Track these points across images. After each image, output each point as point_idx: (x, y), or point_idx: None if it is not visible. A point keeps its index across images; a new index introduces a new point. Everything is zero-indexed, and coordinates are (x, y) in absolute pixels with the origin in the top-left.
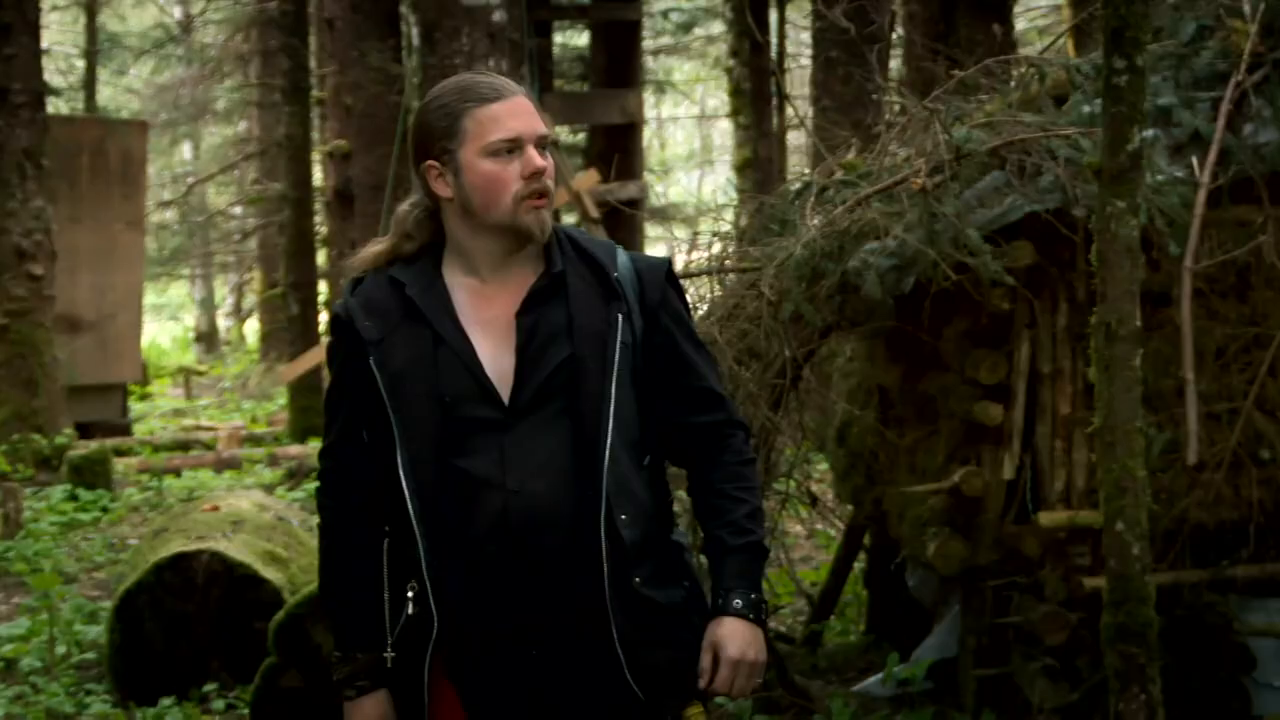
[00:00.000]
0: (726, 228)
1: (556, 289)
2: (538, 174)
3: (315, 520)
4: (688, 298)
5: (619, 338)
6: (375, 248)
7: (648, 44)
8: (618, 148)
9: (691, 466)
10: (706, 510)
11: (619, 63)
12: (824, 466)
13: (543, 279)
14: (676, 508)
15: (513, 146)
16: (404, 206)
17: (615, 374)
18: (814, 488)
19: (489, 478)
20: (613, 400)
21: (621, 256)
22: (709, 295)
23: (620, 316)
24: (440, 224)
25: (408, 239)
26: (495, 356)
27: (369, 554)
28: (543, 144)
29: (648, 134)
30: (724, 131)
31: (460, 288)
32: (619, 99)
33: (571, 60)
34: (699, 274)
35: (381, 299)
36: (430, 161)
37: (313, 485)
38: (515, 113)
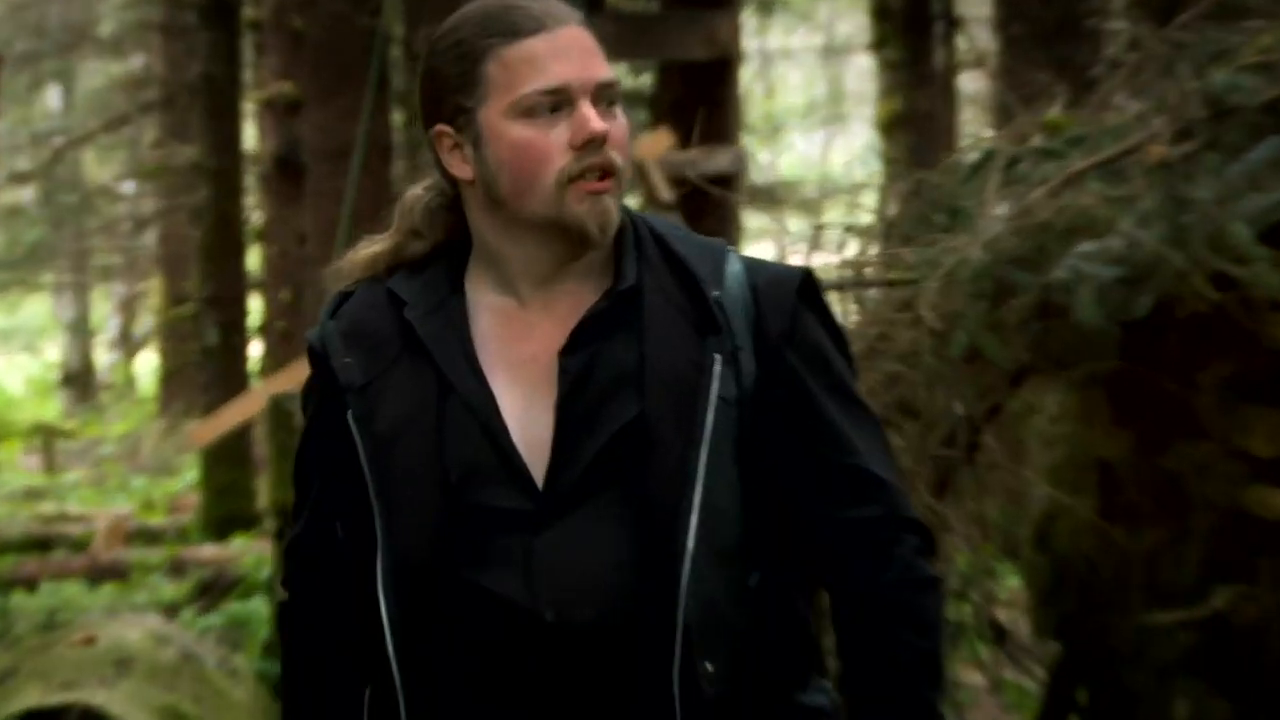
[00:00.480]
0: (866, 218)
1: (626, 314)
2: (594, 141)
3: (252, 659)
4: (839, 324)
5: (714, 389)
6: (372, 248)
7: None
8: (702, 97)
9: (834, 588)
10: (849, 656)
11: None
12: (1015, 582)
13: (604, 299)
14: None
15: (557, 101)
16: (415, 190)
17: (705, 445)
18: (1000, 614)
19: (511, 601)
20: (699, 485)
21: (733, 265)
22: (843, 320)
23: (718, 357)
24: (462, 217)
25: (415, 237)
26: (528, 415)
27: (350, 708)
28: (605, 97)
29: (747, 75)
30: (862, 73)
31: (487, 311)
32: (704, 23)
33: None
34: (824, 288)
35: (373, 323)
36: (441, 126)
37: (235, 606)
38: (562, 50)
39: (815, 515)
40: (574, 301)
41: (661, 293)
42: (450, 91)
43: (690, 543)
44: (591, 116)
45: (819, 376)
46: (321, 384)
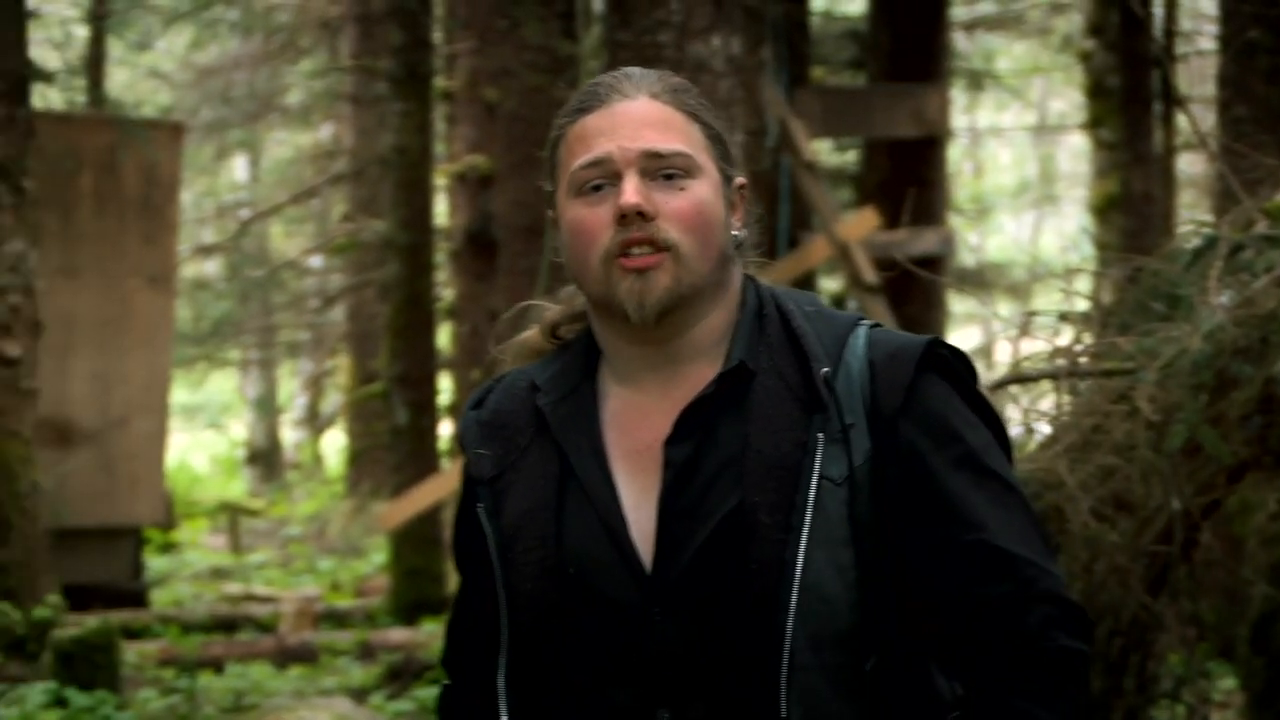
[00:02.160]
0: (1080, 305)
1: (734, 398)
2: (629, 214)
3: None
4: (980, 393)
5: (816, 471)
6: (528, 331)
7: (958, 12)
8: (909, 176)
9: (961, 668)
10: None
11: (913, 42)
12: (1231, 683)
13: (711, 384)
14: None
15: (601, 176)
16: None
17: (805, 531)
18: (1215, 717)
19: (627, 708)
20: (796, 573)
21: (856, 340)
22: (1055, 411)
23: (821, 437)
24: None
25: (570, 321)
26: (642, 508)
27: None
28: (662, 169)
29: (956, 154)
30: (1076, 153)
31: (614, 398)
32: (912, 99)
33: (840, 38)
34: (1036, 377)
35: (511, 412)
36: (550, 212)
37: (425, 692)
38: (614, 124)
39: (940, 595)
40: (690, 386)
41: (775, 373)
42: (546, 177)
43: (789, 632)
44: (627, 189)
45: (942, 450)
46: (465, 474)
